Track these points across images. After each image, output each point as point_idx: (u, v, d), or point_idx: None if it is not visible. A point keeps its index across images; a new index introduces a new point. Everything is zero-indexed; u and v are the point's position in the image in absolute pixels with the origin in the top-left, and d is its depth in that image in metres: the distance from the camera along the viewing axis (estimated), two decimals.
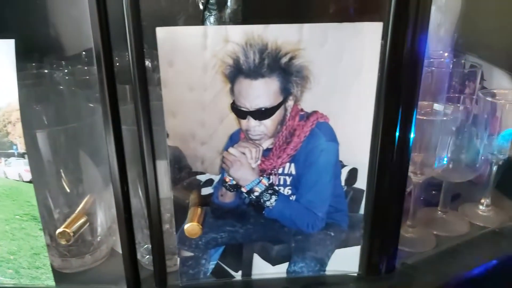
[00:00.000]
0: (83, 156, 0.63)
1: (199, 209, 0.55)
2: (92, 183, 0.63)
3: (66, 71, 0.79)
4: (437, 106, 0.65)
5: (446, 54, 0.92)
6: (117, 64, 0.52)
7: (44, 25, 0.74)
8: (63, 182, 0.61)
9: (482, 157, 0.73)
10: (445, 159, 0.67)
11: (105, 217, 0.65)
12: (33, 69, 0.75)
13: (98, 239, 0.65)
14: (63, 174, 0.61)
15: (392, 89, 0.51)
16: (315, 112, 0.53)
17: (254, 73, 0.50)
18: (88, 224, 0.57)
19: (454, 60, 0.87)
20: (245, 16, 0.60)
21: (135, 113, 0.50)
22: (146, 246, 0.64)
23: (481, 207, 0.79)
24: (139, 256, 0.65)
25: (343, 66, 0.51)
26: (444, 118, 0.63)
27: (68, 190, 0.61)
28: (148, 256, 0.64)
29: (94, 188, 0.63)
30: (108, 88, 0.49)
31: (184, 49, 0.49)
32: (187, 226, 0.53)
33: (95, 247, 0.65)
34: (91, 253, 0.65)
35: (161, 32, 0.47)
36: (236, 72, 0.50)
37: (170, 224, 0.62)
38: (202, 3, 0.63)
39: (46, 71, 0.78)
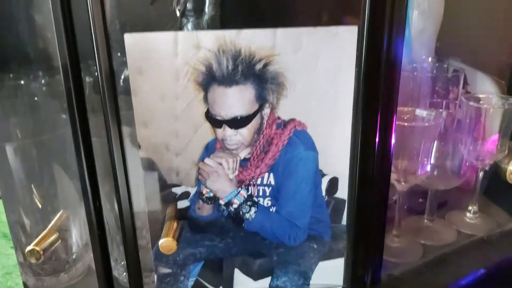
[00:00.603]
0: (57, 170, 0.61)
1: (174, 223, 0.53)
2: (66, 198, 0.61)
3: (43, 81, 0.77)
4: (419, 112, 0.64)
5: (429, 59, 0.92)
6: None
7: (17, 34, 0.72)
8: (34, 198, 0.59)
9: (467, 163, 0.72)
10: (429, 166, 0.65)
11: (80, 233, 0.62)
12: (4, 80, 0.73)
13: (74, 256, 0.63)
14: (34, 189, 0.58)
15: (370, 95, 0.50)
16: (292, 120, 0.51)
17: (228, 80, 0.48)
18: (60, 241, 0.54)
19: (437, 64, 0.87)
20: (223, 22, 0.58)
21: (105, 124, 0.48)
22: (123, 263, 0.62)
23: (468, 214, 0.78)
24: (116, 274, 0.62)
25: (319, 71, 0.49)
26: (426, 124, 0.62)
27: (40, 206, 0.59)
28: (125, 274, 0.62)
29: (68, 204, 0.60)
30: (76, 98, 0.47)
31: (155, 56, 0.47)
32: (161, 242, 0.51)
33: (71, 265, 0.63)
34: (66, 271, 0.62)
35: (130, 38, 0.46)
36: (209, 80, 0.48)
37: (147, 239, 0.60)
38: (179, 10, 0.62)
39: (22, 82, 0.76)
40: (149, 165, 0.52)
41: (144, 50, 0.47)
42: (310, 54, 0.49)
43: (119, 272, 0.62)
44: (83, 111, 0.48)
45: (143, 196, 0.54)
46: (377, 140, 0.52)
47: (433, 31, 0.93)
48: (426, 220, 0.75)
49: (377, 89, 0.50)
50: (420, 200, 0.81)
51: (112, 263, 0.62)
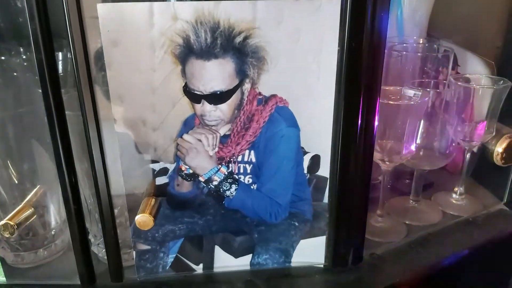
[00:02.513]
0: (35, 144, 0.60)
1: (152, 200, 0.52)
2: (44, 174, 0.59)
3: (24, 57, 0.75)
4: (406, 91, 0.63)
5: (420, 39, 0.90)
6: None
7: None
8: (11, 173, 0.58)
9: (454, 144, 0.71)
10: (414, 145, 0.64)
11: (58, 209, 0.61)
12: None
13: (52, 232, 0.62)
14: (10, 165, 0.57)
15: (353, 71, 0.49)
16: (273, 96, 0.50)
17: (207, 53, 0.47)
18: (35, 216, 0.53)
19: (427, 45, 0.85)
20: None
21: (78, 98, 0.47)
22: (102, 239, 0.61)
23: (454, 195, 0.78)
24: (96, 250, 0.62)
25: (301, 46, 0.48)
26: (412, 103, 0.61)
27: (17, 182, 0.58)
28: (104, 250, 0.61)
29: (46, 179, 0.59)
30: (48, 70, 0.46)
31: (130, 27, 0.45)
32: (137, 218, 0.50)
33: (49, 241, 0.62)
34: (45, 247, 0.61)
35: (103, 9, 0.44)
36: (187, 52, 0.47)
37: (126, 216, 0.59)
38: None
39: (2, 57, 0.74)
40: (126, 141, 0.50)
41: (118, 21, 0.45)
42: (292, 27, 0.47)
43: (99, 248, 0.61)
44: (56, 84, 0.47)
45: (121, 172, 0.53)
46: (359, 117, 0.51)
47: (425, 11, 0.92)
48: (411, 201, 0.75)
49: (360, 65, 0.49)
50: (407, 181, 0.80)
51: (92, 239, 0.61)
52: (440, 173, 0.81)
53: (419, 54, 0.80)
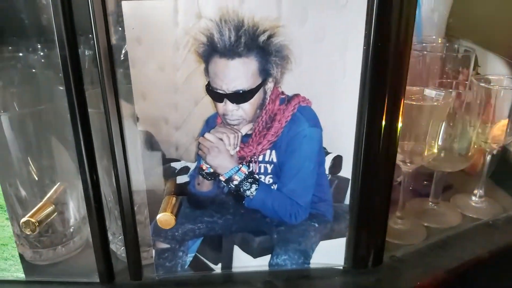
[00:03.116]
0: (54, 142, 0.60)
1: (173, 198, 0.52)
2: (64, 170, 0.60)
3: (41, 54, 0.75)
4: (428, 91, 0.62)
5: (439, 39, 0.89)
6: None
7: (15, 5, 0.70)
8: (31, 170, 0.58)
9: (475, 146, 0.70)
10: (436, 147, 0.64)
11: (77, 207, 0.61)
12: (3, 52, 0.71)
13: (71, 230, 0.62)
14: (31, 161, 0.57)
15: (378, 70, 0.48)
16: (296, 95, 0.50)
17: (230, 52, 0.47)
18: (56, 213, 0.53)
19: (447, 45, 0.84)
20: None
21: (102, 95, 0.47)
22: (121, 237, 0.61)
23: (474, 198, 0.77)
24: (114, 248, 0.62)
25: (326, 45, 0.47)
26: (435, 104, 0.60)
27: (37, 178, 0.58)
28: (123, 248, 0.61)
29: (66, 176, 0.59)
30: (71, 67, 0.45)
31: (154, 25, 0.45)
32: (159, 216, 0.50)
33: (68, 238, 0.62)
34: (64, 245, 0.62)
35: (127, 6, 0.44)
36: (211, 51, 0.46)
37: (145, 215, 0.59)
38: None
39: (20, 54, 0.74)
40: (148, 139, 0.50)
41: (142, 19, 0.45)
42: (317, 26, 0.47)
43: (117, 246, 0.61)
44: (79, 81, 0.47)
45: (142, 170, 0.53)
46: (384, 118, 0.50)
47: (444, 10, 0.90)
48: (430, 203, 0.74)
49: (386, 65, 0.48)
50: (425, 182, 0.79)
51: (110, 237, 0.61)
52: (459, 175, 0.79)
53: (439, 54, 0.79)
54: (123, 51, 0.51)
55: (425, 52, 0.76)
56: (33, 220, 0.49)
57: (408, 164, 0.62)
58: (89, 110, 0.49)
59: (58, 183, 0.58)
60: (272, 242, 0.57)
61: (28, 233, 0.50)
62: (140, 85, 0.47)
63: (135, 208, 0.55)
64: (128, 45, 0.45)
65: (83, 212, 0.62)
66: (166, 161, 0.52)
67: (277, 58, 0.47)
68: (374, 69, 0.48)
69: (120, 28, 0.47)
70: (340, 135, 0.52)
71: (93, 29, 0.45)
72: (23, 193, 0.58)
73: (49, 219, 0.53)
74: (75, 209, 0.62)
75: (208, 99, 0.49)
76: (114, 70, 0.46)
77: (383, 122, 0.50)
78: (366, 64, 0.48)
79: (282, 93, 0.49)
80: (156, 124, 0.49)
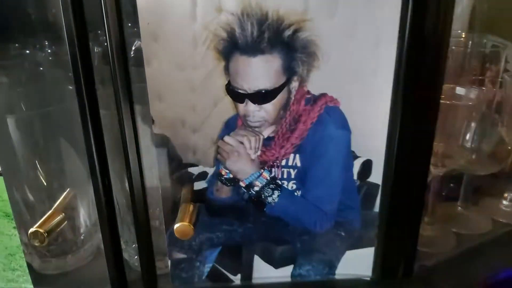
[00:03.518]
0: (64, 145, 0.57)
1: (191, 206, 0.49)
2: (73, 175, 0.56)
3: (49, 51, 0.72)
4: (459, 90, 0.57)
5: (463, 33, 0.85)
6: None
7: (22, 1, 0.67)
8: (39, 175, 0.55)
9: (510, 148, 0.65)
10: (468, 148, 0.59)
11: (88, 213, 0.58)
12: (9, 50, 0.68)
13: (82, 237, 0.59)
14: (39, 166, 0.54)
15: (414, 67, 0.44)
16: (323, 95, 0.46)
17: (252, 48, 0.43)
18: (66, 222, 0.50)
19: (473, 40, 0.79)
20: None
21: (114, 95, 0.43)
22: (134, 245, 0.58)
23: (504, 202, 0.72)
24: (126, 257, 0.59)
25: (357, 40, 0.44)
26: (470, 103, 0.56)
27: (46, 183, 0.55)
28: (136, 257, 0.58)
29: (76, 181, 0.56)
30: (82, 66, 0.42)
31: (170, 19, 0.42)
32: (176, 226, 0.46)
33: (79, 246, 0.59)
34: (74, 253, 0.58)
35: (142, 0, 0.40)
36: (231, 48, 0.43)
37: (160, 220, 0.56)
38: None
39: (27, 51, 0.71)
40: (164, 142, 0.47)
41: (158, 13, 0.42)
42: (347, 19, 0.43)
43: (130, 254, 0.58)
44: (90, 80, 0.43)
45: (156, 175, 0.49)
46: (419, 119, 0.46)
47: (467, 3, 0.86)
48: (459, 207, 0.70)
49: (422, 61, 0.44)
50: (452, 184, 0.75)
51: (123, 246, 0.58)
52: (487, 177, 0.75)
53: (464, 49, 0.75)
54: (133, 48, 0.48)
55: (454, 48, 0.71)
56: (41, 230, 0.46)
57: (439, 167, 0.58)
58: (101, 111, 0.46)
59: (68, 189, 0.54)
60: (295, 252, 0.54)
61: (37, 244, 0.47)
62: (156, 85, 0.44)
63: (149, 213, 0.52)
64: (143, 41, 0.42)
65: (94, 219, 0.59)
66: (183, 166, 0.48)
67: (303, 54, 0.44)
68: (409, 66, 0.44)
69: (129, 24, 0.44)
70: (371, 137, 0.48)
71: (105, 24, 0.42)
72: (31, 198, 0.55)
73: (58, 229, 0.49)
74: (86, 216, 0.58)
75: (228, 99, 0.45)
76: (127, 68, 0.43)
77: (418, 124, 0.46)
78: (400, 60, 0.44)
79: (308, 92, 0.46)
80: (173, 126, 0.46)
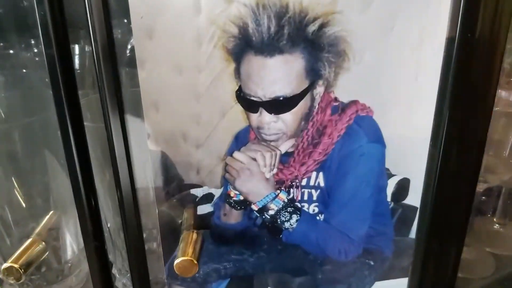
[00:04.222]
0: (48, 159, 0.49)
1: (194, 234, 0.41)
2: (58, 195, 0.49)
3: (36, 51, 0.65)
4: (505, 94, 0.50)
5: None
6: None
7: None
8: (17, 194, 0.47)
9: None
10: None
11: (76, 236, 0.51)
12: None
13: (69, 264, 0.51)
14: (17, 184, 0.47)
15: (465, 70, 0.36)
16: (354, 102, 0.38)
17: (269, 47, 0.35)
18: (47, 253, 0.43)
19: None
20: None
21: (101, 104, 0.36)
22: (128, 275, 0.50)
23: None
24: (120, 287, 0.51)
25: (395, 36, 0.36)
26: None
27: (25, 205, 0.47)
28: None
29: (61, 202, 0.49)
30: (60, 70, 0.34)
31: (169, 13, 0.34)
32: (177, 262, 0.39)
33: (65, 274, 0.51)
34: (60, 282, 0.51)
35: None
36: (244, 46, 0.36)
37: (158, 243, 0.48)
38: None
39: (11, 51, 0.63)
40: (162, 161, 0.39)
41: (154, 4, 0.34)
42: (384, 12, 0.35)
43: (125, 285, 0.51)
44: (71, 85, 0.36)
45: (153, 194, 0.42)
46: (468, 131, 0.38)
47: None
48: (496, 225, 0.62)
49: (476, 63, 0.36)
50: (483, 198, 0.67)
51: (116, 274, 0.51)
52: None
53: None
54: (129, 46, 0.41)
55: None
56: (16, 266, 0.39)
57: (481, 183, 0.51)
58: (87, 124, 0.39)
59: (51, 211, 0.47)
60: (315, 284, 0.47)
61: (12, 282, 0.39)
62: (152, 92, 0.36)
63: (145, 234, 0.45)
64: (136, 38, 0.34)
65: (82, 243, 0.52)
66: (184, 187, 0.41)
67: (330, 54, 0.36)
68: (459, 67, 0.36)
69: (125, 20, 0.37)
70: (409, 152, 0.40)
71: (88, 18, 0.34)
72: (7, 223, 0.47)
73: (39, 261, 0.42)
74: (73, 240, 0.51)
75: (238, 108, 0.38)
76: (116, 71, 0.35)
77: (466, 137, 0.39)
78: (448, 61, 0.36)
79: (335, 99, 0.38)
80: (172, 141, 0.39)
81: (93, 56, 0.34)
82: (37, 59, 0.61)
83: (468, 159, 0.40)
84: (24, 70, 0.56)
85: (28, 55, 0.62)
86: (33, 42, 0.67)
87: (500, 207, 0.62)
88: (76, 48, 0.54)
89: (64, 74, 0.35)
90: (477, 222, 0.64)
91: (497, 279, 0.54)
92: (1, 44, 0.64)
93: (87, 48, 0.55)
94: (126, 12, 0.35)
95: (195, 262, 0.38)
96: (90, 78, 0.52)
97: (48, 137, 0.49)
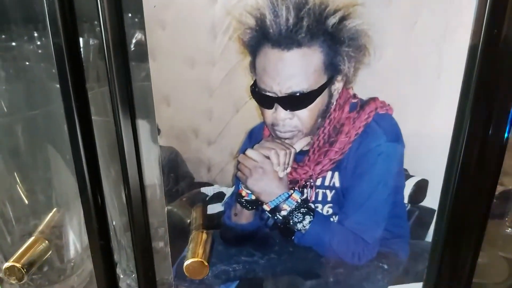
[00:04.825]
0: (51, 154, 0.48)
1: (203, 235, 0.40)
2: (62, 191, 0.47)
3: (39, 43, 0.63)
4: None
5: None
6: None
7: None
8: (20, 190, 0.45)
9: None
10: None
11: (79, 234, 0.49)
12: None
13: (72, 263, 0.50)
14: (19, 180, 0.45)
15: (490, 68, 0.35)
16: (373, 99, 0.37)
17: (287, 40, 0.34)
18: (50, 252, 0.41)
19: None
20: None
21: (111, 98, 0.34)
22: (134, 275, 0.49)
23: None
24: (124, 287, 0.50)
25: (418, 31, 0.34)
26: None
27: (27, 201, 0.46)
28: None
29: (64, 199, 0.47)
30: (68, 60, 0.33)
31: (183, 2, 0.32)
32: (188, 263, 0.37)
33: (68, 274, 0.50)
34: (62, 282, 0.49)
35: None
36: (260, 39, 0.34)
37: (165, 240, 0.47)
38: None
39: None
40: (172, 157, 0.38)
41: None
42: (407, 6, 0.34)
43: (130, 285, 0.49)
44: (79, 78, 0.34)
45: (161, 192, 0.41)
46: (491, 131, 0.37)
47: None
48: (509, 229, 0.60)
49: (501, 60, 0.35)
50: (495, 201, 0.66)
51: (120, 275, 0.49)
52: None
53: None
54: (134, 40, 0.39)
55: None
56: (18, 265, 0.37)
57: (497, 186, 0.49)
58: (94, 117, 0.37)
59: (55, 209, 0.45)
60: (326, 287, 0.45)
61: (14, 282, 0.37)
62: (163, 86, 0.35)
63: (151, 233, 0.43)
64: (148, 29, 0.33)
65: (86, 241, 0.50)
66: (194, 185, 0.40)
67: (350, 48, 0.35)
68: (484, 65, 0.35)
69: (130, 15, 0.35)
70: (429, 152, 0.39)
71: (99, 11, 0.32)
72: (9, 220, 0.46)
73: (41, 260, 0.40)
74: (76, 238, 0.49)
75: (253, 104, 0.37)
76: (128, 64, 0.34)
77: (488, 137, 0.37)
78: (473, 58, 0.35)
79: (354, 96, 0.37)
80: (183, 137, 0.37)
81: (104, 48, 0.33)
82: (40, 51, 0.60)
83: (489, 161, 0.39)
84: (27, 63, 0.55)
85: (31, 47, 0.61)
86: (36, 34, 0.65)
87: None
88: (80, 41, 0.53)
89: (72, 65, 0.34)
90: (489, 225, 0.63)
91: (510, 284, 0.53)
92: (3, 36, 0.62)
93: (91, 42, 0.54)
94: (130, 6, 0.33)
95: (206, 263, 0.37)
96: (94, 72, 0.51)
97: (51, 132, 0.47)
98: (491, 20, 0.34)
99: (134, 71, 0.37)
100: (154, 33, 0.33)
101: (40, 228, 0.43)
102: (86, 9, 0.35)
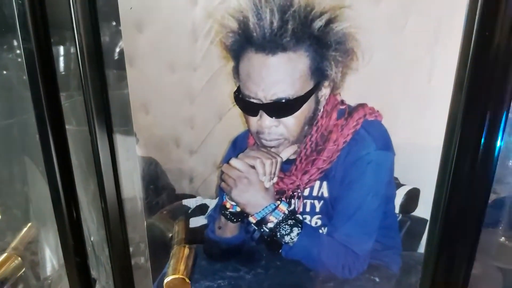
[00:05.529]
0: (28, 166, 0.46)
1: (185, 250, 0.38)
2: (38, 205, 0.45)
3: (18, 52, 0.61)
4: None
5: None
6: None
7: None
8: None
9: None
10: None
11: (56, 250, 0.47)
12: None
13: (49, 281, 0.47)
14: None
15: (482, 72, 0.34)
16: (361, 105, 0.36)
17: (271, 44, 0.33)
18: (23, 270, 0.39)
19: None
20: None
21: (85, 108, 0.32)
22: None
23: None
24: None
25: (408, 34, 0.34)
26: None
27: (0, 216, 0.43)
28: None
29: (40, 213, 0.45)
30: (40, 69, 0.31)
31: (162, 4, 0.31)
32: (168, 280, 0.35)
33: None
34: None
35: None
36: (243, 43, 0.33)
37: (146, 257, 0.45)
38: None
39: None
40: (151, 167, 0.36)
41: None
42: (396, 8, 0.33)
43: None
44: (52, 86, 0.32)
45: (142, 206, 0.39)
46: (483, 138, 0.36)
47: None
48: (503, 238, 0.59)
49: (493, 64, 0.34)
50: (487, 209, 0.65)
51: None
52: None
53: None
54: (117, 49, 0.38)
55: None
56: None
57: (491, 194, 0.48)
58: (69, 127, 0.35)
59: (29, 224, 0.43)
60: None
61: None
62: (141, 92, 0.33)
63: (131, 248, 0.41)
64: (124, 32, 0.31)
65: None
66: (176, 197, 0.38)
67: (337, 52, 0.34)
68: (476, 69, 0.34)
69: (114, 23, 0.34)
70: (420, 160, 0.38)
71: (73, 18, 0.31)
72: None
73: (14, 278, 0.38)
74: (53, 254, 0.47)
75: (236, 111, 0.36)
76: (103, 72, 0.32)
77: (480, 144, 0.36)
78: (464, 62, 0.34)
79: (342, 102, 0.36)
80: (163, 147, 0.36)
81: (77, 55, 0.31)
82: (19, 60, 0.58)
83: (482, 169, 0.37)
84: (5, 72, 0.53)
85: (9, 56, 0.59)
86: (16, 44, 0.63)
87: (507, 220, 0.59)
88: (61, 49, 0.51)
89: (45, 72, 0.32)
90: (483, 234, 0.62)
91: None
92: None
93: (72, 50, 0.52)
94: (115, 14, 0.32)
95: (187, 280, 0.35)
96: (75, 81, 0.49)
97: (27, 143, 0.45)
98: (482, 22, 0.33)
99: (116, 79, 0.35)
100: (131, 37, 0.32)
101: (14, 243, 0.40)
102: (67, 16, 0.33)
